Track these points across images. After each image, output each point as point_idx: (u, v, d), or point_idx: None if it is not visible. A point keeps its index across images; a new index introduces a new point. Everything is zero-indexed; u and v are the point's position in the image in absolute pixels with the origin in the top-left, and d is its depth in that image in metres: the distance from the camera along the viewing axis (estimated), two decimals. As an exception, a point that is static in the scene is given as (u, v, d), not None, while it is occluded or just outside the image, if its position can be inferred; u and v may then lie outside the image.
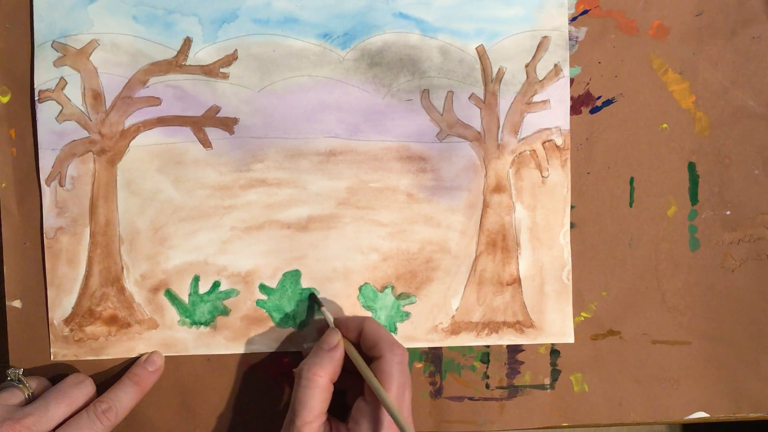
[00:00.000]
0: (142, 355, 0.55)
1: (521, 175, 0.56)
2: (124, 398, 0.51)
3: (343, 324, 0.52)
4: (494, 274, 0.56)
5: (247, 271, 0.55)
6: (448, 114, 0.55)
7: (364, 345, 0.50)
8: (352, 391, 0.53)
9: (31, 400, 0.50)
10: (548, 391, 0.57)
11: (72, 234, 0.54)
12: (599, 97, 0.56)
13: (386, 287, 0.55)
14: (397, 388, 0.48)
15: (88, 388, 0.51)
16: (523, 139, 0.55)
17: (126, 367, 0.54)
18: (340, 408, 0.52)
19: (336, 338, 0.50)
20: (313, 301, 0.55)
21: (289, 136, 0.55)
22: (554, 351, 0.57)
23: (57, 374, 0.54)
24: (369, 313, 0.55)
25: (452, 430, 0.57)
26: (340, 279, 0.55)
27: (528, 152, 0.56)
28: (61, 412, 0.49)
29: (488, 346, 0.56)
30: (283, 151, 0.55)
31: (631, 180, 0.57)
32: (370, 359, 0.50)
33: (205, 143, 0.54)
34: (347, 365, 0.50)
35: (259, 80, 0.54)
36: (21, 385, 0.50)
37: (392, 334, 0.53)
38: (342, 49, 0.54)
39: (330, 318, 0.52)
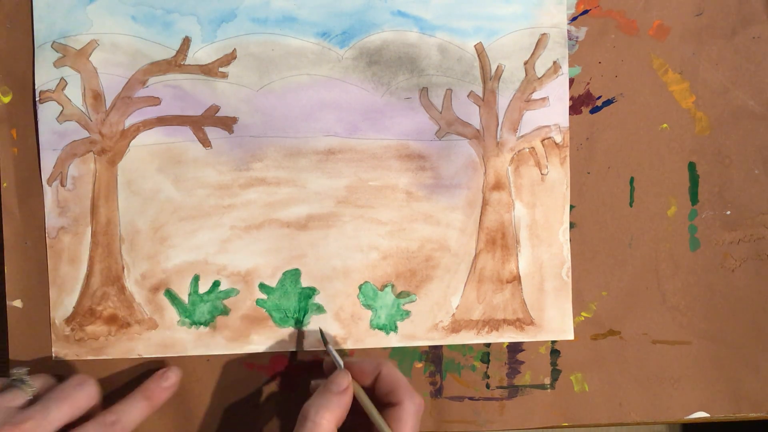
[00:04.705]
0: (158, 369, 0.54)
1: (520, 172, 0.56)
2: (133, 412, 0.50)
3: (356, 366, 0.50)
4: (494, 272, 0.56)
5: (246, 271, 0.55)
6: (447, 112, 0.55)
7: (379, 389, 0.49)
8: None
9: (34, 400, 0.48)
10: (548, 390, 0.57)
11: (74, 233, 0.54)
12: (599, 97, 0.56)
13: (386, 286, 0.55)
14: None
15: (90, 390, 0.49)
16: (522, 136, 0.55)
17: (127, 368, 0.55)
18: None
19: (346, 380, 0.48)
20: (322, 336, 0.54)
21: (288, 135, 0.55)
22: (554, 351, 0.57)
23: (59, 374, 0.54)
24: (369, 313, 0.55)
25: (452, 430, 0.57)
26: (339, 278, 0.55)
27: (527, 150, 0.56)
28: (62, 415, 0.47)
29: (488, 346, 0.56)
30: (283, 150, 0.55)
31: (631, 180, 0.57)
32: (384, 404, 0.48)
33: (205, 142, 0.55)
34: (354, 405, 0.49)
35: (258, 79, 0.54)
36: (23, 386, 0.49)
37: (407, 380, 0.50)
38: (341, 47, 0.55)
39: (339, 359, 0.51)
